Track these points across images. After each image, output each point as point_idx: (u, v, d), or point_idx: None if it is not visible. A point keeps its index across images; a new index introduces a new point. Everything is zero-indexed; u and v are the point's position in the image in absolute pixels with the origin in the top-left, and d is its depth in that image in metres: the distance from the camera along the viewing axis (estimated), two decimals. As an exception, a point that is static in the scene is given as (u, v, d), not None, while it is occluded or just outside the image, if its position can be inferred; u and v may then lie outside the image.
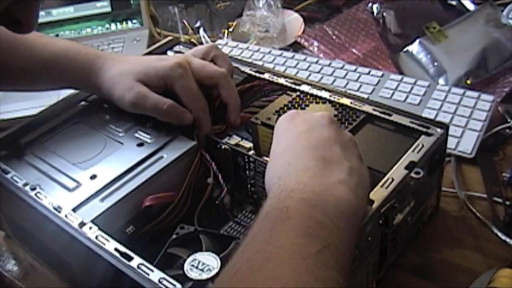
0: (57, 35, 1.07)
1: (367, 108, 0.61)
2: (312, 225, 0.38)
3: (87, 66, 0.64)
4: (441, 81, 0.84)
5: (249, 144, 0.60)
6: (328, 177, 0.42)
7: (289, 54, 0.93)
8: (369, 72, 0.85)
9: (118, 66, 0.63)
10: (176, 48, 0.78)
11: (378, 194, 0.49)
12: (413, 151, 0.54)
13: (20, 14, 0.45)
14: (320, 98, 0.63)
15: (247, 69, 0.70)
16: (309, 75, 0.87)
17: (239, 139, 0.61)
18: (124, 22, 1.07)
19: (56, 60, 0.64)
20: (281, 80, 0.67)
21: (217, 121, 0.63)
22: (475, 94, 0.78)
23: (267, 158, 0.56)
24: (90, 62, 0.64)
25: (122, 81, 0.62)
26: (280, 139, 0.48)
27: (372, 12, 0.99)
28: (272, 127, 0.55)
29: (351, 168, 0.44)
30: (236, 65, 0.69)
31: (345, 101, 0.62)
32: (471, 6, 0.97)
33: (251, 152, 0.58)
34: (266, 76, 0.69)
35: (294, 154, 0.45)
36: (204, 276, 0.47)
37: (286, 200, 0.40)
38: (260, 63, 0.90)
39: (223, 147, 0.59)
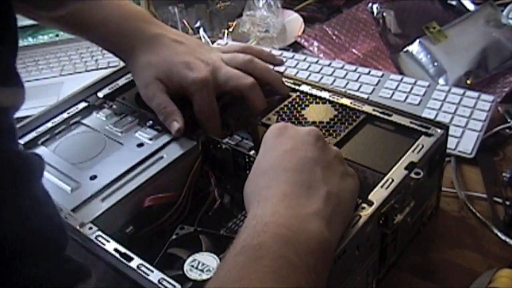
0: (57, 35, 1.07)
1: (367, 108, 0.61)
2: (283, 266, 0.39)
3: (127, 35, 0.65)
4: (441, 81, 0.84)
5: (249, 144, 0.60)
6: (304, 208, 0.43)
7: (289, 54, 0.93)
8: (369, 72, 0.85)
9: (148, 56, 0.63)
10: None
11: (378, 194, 0.49)
12: (413, 151, 0.54)
13: None
14: (320, 98, 0.63)
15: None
16: (309, 75, 0.87)
17: (240, 139, 0.61)
18: (124, 22, 1.07)
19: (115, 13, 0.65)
20: (281, 80, 0.67)
21: (222, 126, 0.63)
22: (475, 94, 0.78)
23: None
24: (132, 35, 0.65)
25: (143, 75, 0.63)
26: (266, 154, 0.49)
27: (372, 12, 0.99)
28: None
29: (329, 193, 0.44)
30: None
31: (345, 101, 0.62)
32: (471, 6, 0.97)
33: (252, 152, 0.58)
34: (266, 76, 0.69)
35: (275, 176, 0.46)
36: (204, 276, 0.47)
37: (260, 234, 0.40)
38: (260, 63, 0.90)
39: (223, 146, 0.59)
